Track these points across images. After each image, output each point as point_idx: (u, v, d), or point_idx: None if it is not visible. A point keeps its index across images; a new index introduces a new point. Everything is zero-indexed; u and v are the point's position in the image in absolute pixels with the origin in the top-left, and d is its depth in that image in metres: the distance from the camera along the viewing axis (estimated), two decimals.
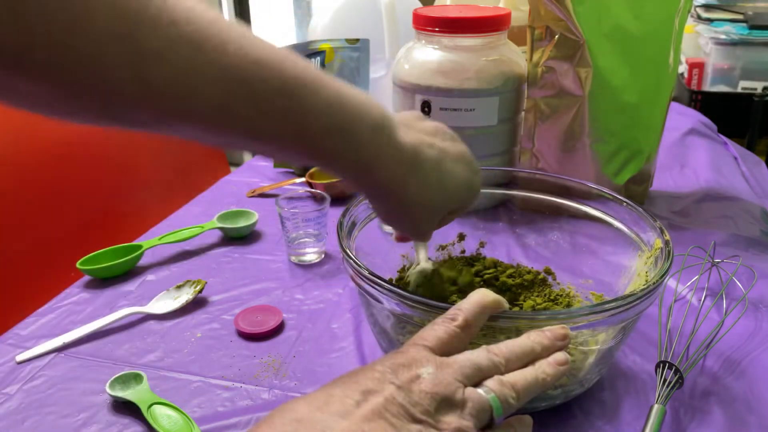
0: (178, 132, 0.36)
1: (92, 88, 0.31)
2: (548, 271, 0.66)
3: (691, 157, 1.07)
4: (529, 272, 0.65)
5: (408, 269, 0.53)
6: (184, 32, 0.32)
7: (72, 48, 0.29)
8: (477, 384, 0.37)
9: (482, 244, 0.70)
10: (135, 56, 0.30)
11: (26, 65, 0.29)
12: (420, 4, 1.34)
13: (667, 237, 0.53)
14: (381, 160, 0.41)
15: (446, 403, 0.34)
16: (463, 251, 0.70)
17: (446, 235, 0.70)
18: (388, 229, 0.68)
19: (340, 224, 0.56)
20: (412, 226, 0.49)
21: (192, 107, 0.33)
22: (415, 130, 0.45)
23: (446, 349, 0.38)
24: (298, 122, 0.37)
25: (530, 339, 0.41)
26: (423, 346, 0.38)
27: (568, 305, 0.62)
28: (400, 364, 0.36)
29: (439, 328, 0.39)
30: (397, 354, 0.37)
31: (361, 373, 0.35)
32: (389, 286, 0.47)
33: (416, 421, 0.33)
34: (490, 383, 0.37)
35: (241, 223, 0.82)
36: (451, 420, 0.34)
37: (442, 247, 0.70)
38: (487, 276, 0.63)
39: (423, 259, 0.53)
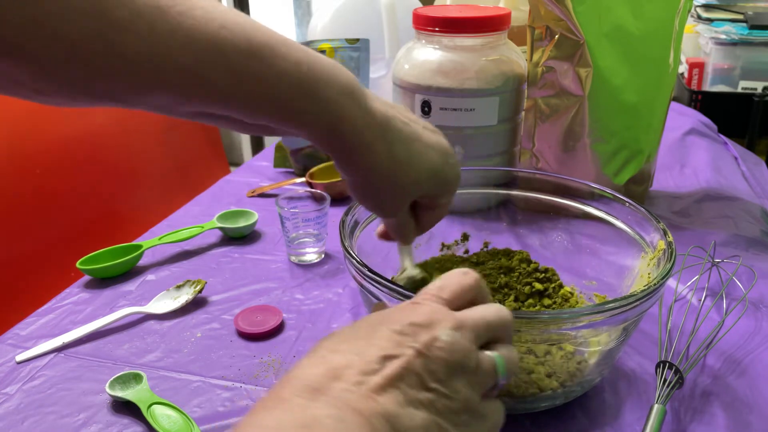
0: (152, 103, 0.37)
1: (65, 64, 0.32)
2: (552, 272, 0.66)
3: (691, 157, 1.07)
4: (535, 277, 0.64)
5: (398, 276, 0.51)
6: (149, 1, 0.33)
7: (41, 24, 0.30)
8: (486, 345, 0.37)
9: (486, 245, 0.70)
10: (104, 27, 0.32)
11: None
12: (420, 4, 1.34)
13: (670, 238, 0.53)
14: (348, 123, 0.41)
15: (460, 368, 0.34)
16: (467, 251, 0.70)
17: (450, 234, 0.70)
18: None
19: (343, 223, 0.56)
20: (378, 203, 0.47)
21: (165, 74, 0.35)
22: (397, 110, 0.46)
23: (460, 303, 0.38)
24: (269, 84, 0.38)
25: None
26: (439, 297, 0.38)
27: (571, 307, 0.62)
28: (418, 324, 0.35)
29: (453, 280, 0.39)
30: (414, 308, 0.36)
31: (378, 329, 0.35)
32: (390, 284, 0.47)
33: (429, 390, 0.33)
34: (500, 348, 0.37)
35: (241, 223, 0.82)
36: (460, 388, 0.34)
37: (447, 247, 0.70)
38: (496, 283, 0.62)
39: (409, 265, 0.50)
